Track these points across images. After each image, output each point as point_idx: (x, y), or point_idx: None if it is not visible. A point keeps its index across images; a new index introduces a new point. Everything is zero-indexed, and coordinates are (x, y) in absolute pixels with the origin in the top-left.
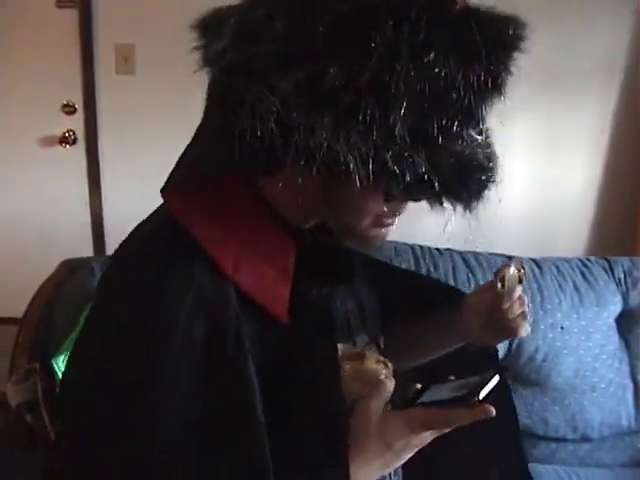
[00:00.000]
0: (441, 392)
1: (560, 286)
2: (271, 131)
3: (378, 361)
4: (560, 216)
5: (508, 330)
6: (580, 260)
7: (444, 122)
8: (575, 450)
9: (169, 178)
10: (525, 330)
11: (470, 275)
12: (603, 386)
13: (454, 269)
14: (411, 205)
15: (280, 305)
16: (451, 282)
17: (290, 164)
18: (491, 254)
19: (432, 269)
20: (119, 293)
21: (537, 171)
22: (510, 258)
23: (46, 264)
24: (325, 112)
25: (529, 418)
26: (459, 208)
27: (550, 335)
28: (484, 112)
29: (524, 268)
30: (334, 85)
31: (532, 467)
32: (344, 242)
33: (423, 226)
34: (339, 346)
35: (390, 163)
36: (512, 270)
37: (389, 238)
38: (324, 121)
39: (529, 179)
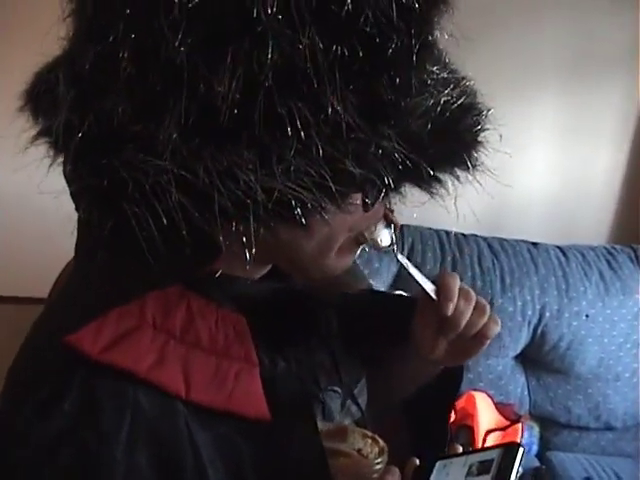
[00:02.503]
0: (454, 474)
1: (585, 274)
2: (180, 204)
3: (364, 436)
4: (585, 203)
5: (469, 338)
6: (606, 248)
7: (393, 80)
8: (598, 439)
9: (63, 326)
10: (493, 328)
11: (495, 261)
12: (627, 375)
13: (479, 255)
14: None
15: (256, 404)
16: (476, 268)
17: (224, 239)
18: (516, 240)
19: (457, 255)
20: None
21: (562, 157)
22: (535, 245)
23: (70, 245)
24: (237, 146)
25: (552, 406)
26: (462, 176)
27: (575, 323)
28: (429, 42)
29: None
30: (233, 105)
31: (554, 455)
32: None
33: (448, 211)
34: (318, 424)
35: (354, 167)
36: (380, 230)
37: (416, 223)
38: (243, 158)
39: (554, 165)
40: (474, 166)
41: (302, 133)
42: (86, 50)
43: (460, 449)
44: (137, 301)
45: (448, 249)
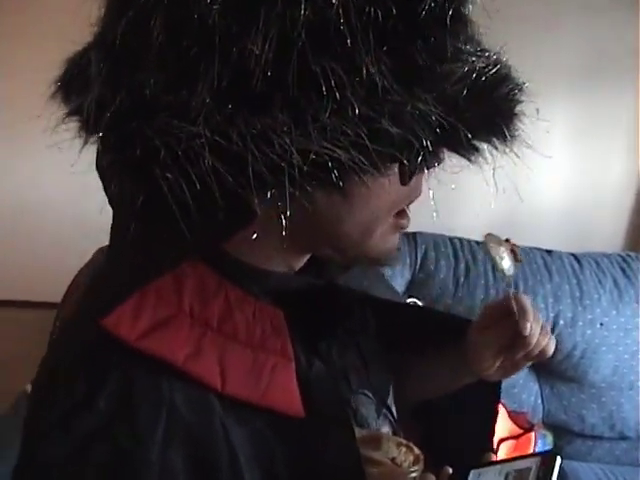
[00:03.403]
0: None
1: (600, 282)
2: (213, 169)
3: (399, 444)
4: (599, 210)
5: (531, 357)
6: (620, 256)
7: (428, 43)
8: (612, 448)
9: (100, 306)
10: (551, 348)
11: None
12: None
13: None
14: (450, 197)
15: (290, 400)
16: (489, 276)
17: (258, 203)
18: (530, 248)
19: (471, 262)
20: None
21: (575, 164)
22: (549, 252)
23: (83, 250)
24: (270, 109)
25: (565, 415)
26: (501, 146)
27: (589, 331)
28: (462, 13)
29: (508, 241)
30: (266, 69)
31: (567, 464)
32: (348, 271)
33: (462, 219)
34: None
35: (391, 127)
36: (501, 250)
37: (428, 230)
38: (277, 121)
39: (567, 172)
40: (512, 136)
41: (337, 93)
42: (117, 22)
43: (494, 458)
44: (175, 288)
45: (462, 256)
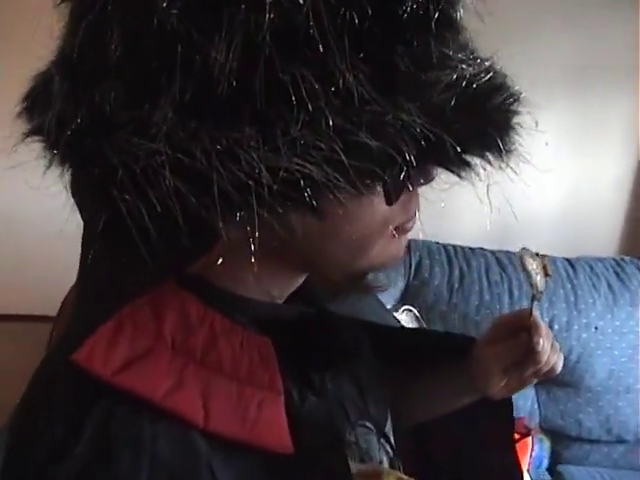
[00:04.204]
0: None
1: (594, 286)
2: (175, 189)
3: None
4: (592, 215)
5: (540, 374)
6: (614, 260)
7: (410, 48)
8: (609, 452)
9: (69, 343)
10: (560, 366)
11: (503, 274)
12: (638, 387)
13: (487, 268)
14: (443, 204)
15: (279, 437)
16: (484, 282)
17: (225, 226)
18: None
19: (465, 268)
20: None
21: (569, 169)
22: (543, 257)
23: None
24: (237, 122)
25: (562, 419)
26: (495, 162)
27: (584, 335)
28: (451, 17)
29: (538, 255)
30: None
31: (565, 468)
32: (339, 297)
33: (456, 226)
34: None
35: (369, 139)
36: (534, 264)
37: (422, 237)
38: (244, 135)
39: (561, 177)
40: (507, 150)
41: (309, 104)
42: (75, 34)
43: None
44: (154, 317)
45: (456, 263)
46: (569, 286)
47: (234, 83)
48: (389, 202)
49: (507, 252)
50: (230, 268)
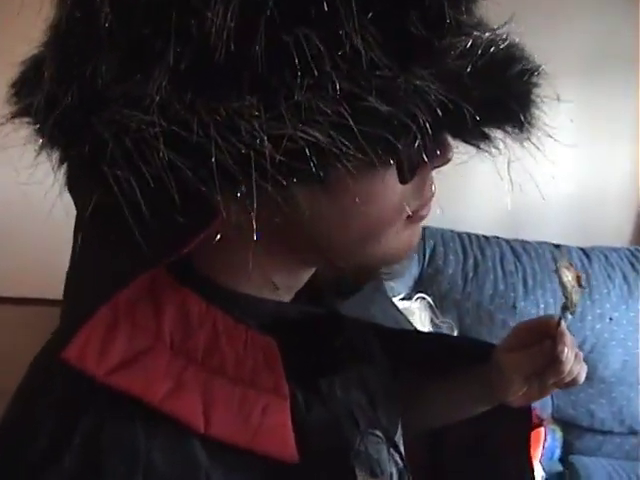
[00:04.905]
0: None
1: (609, 276)
2: (170, 163)
3: None
4: (607, 204)
5: (562, 384)
6: (629, 250)
7: (422, 11)
8: (622, 443)
9: (61, 337)
10: (583, 376)
11: (517, 263)
12: None
13: (501, 257)
14: (457, 191)
15: (284, 444)
16: (498, 271)
17: (224, 202)
18: (539, 242)
19: (480, 257)
20: None
21: (582, 157)
22: (557, 247)
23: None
24: (236, 90)
25: (574, 410)
26: (517, 135)
27: (598, 326)
28: None
29: (571, 265)
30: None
31: (577, 459)
32: (350, 297)
33: (469, 212)
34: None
35: (379, 104)
36: (570, 276)
37: (436, 225)
38: (244, 104)
39: (574, 166)
40: (529, 123)
41: (313, 67)
42: (62, 6)
43: None
44: (153, 314)
45: (470, 251)
46: (584, 276)
47: (232, 48)
48: (403, 179)
49: (522, 241)
50: (231, 260)
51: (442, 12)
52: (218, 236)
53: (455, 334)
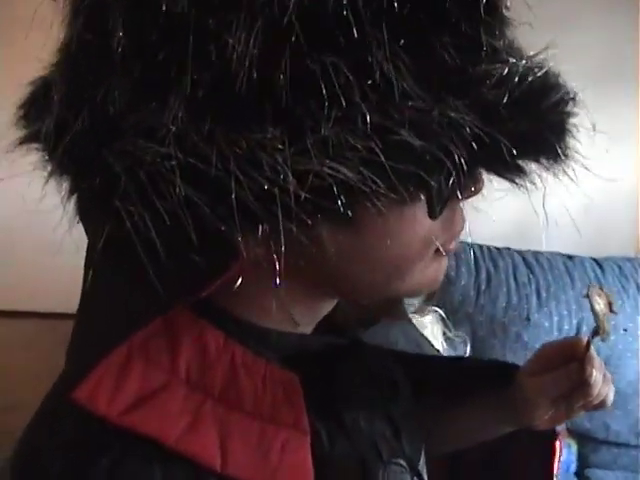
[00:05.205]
0: None
1: (623, 287)
2: (186, 199)
3: None
4: (618, 213)
5: (589, 407)
6: None
7: (457, 37)
8: (638, 456)
9: (71, 378)
10: (611, 399)
11: (530, 275)
12: None
13: (514, 269)
14: (468, 202)
15: None
16: (511, 283)
17: (244, 241)
18: (552, 253)
19: (492, 269)
20: None
21: (592, 166)
22: (571, 257)
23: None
24: (258, 121)
25: (589, 422)
26: (550, 165)
27: (612, 337)
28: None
29: (602, 289)
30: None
31: (592, 472)
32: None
33: (480, 223)
34: None
35: (412, 138)
36: (602, 303)
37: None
38: (267, 136)
39: (583, 176)
40: (565, 155)
41: (342, 98)
42: (72, 27)
43: None
44: (168, 348)
45: (482, 263)
46: (617, 302)
47: (255, 75)
48: (433, 214)
49: (534, 252)
50: (250, 293)
51: (477, 37)
52: (239, 280)
53: (468, 347)
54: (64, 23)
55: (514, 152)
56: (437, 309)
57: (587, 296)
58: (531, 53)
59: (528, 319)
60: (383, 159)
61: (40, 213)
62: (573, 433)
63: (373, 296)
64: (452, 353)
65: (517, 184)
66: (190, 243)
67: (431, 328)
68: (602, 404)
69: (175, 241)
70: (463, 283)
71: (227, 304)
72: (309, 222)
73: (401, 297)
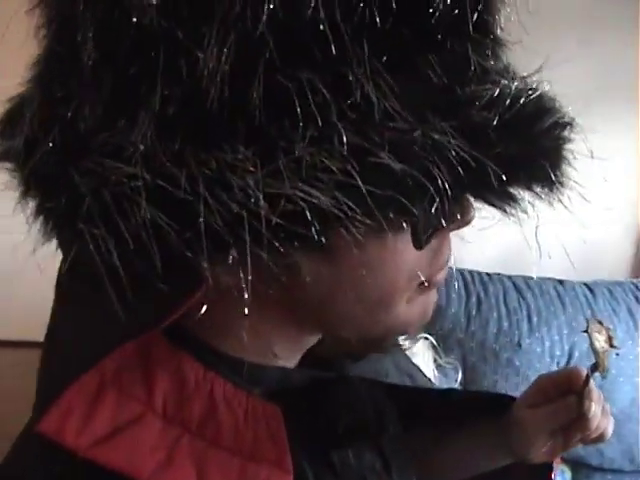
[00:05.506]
0: None
1: (614, 311)
2: (152, 222)
3: None
4: (606, 237)
5: (587, 440)
6: (633, 283)
7: (443, 55)
8: None
9: (37, 407)
10: (610, 432)
11: (521, 300)
12: None
13: (505, 294)
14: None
15: None
16: (502, 308)
17: (211, 268)
18: (542, 278)
19: (482, 295)
20: None
21: (581, 189)
22: (561, 282)
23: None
24: (229, 141)
25: (584, 449)
26: (544, 193)
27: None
28: (487, 20)
29: (602, 323)
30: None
31: None
32: (367, 355)
33: (470, 249)
34: None
35: (392, 161)
36: (602, 339)
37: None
38: (238, 156)
39: (578, 204)
40: (560, 183)
41: (318, 117)
42: (44, 43)
43: None
44: (144, 379)
45: (472, 289)
46: (589, 311)
47: (227, 92)
48: (418, 245)
49: (525, 277)
50: (227, 324)
51: (465, 55)
52: (204, 308)
53: (460, 374)
54: (38, 36)
55: (503, 178)
56: (428, 336)
57: (586, 332)
58: (525, 74)
59: (519, 345)
60: (360, 183)
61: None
62: (567, 460)
63: (357, 331)
64: (443, 380)
65: (507, 212)
66: (154, 268)
67: (422, 355)
68: (600, 437)
69: (139, 266)
70: (453, 310)
71: (205, 335)
72: (281, 249)
73: (390, 334)
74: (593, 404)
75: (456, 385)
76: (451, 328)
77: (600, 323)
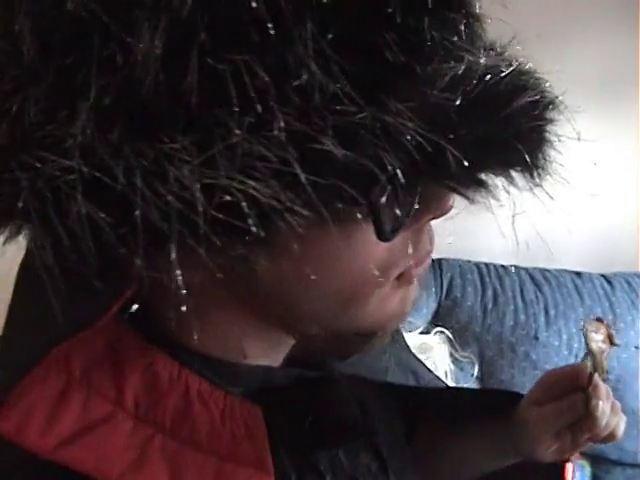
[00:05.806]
0: None
1: (632, 303)
2: (88, 217)
3: None
4: (625, 227)
5: (597, 439)
6: None
7: (399, 31)
8: None
9: None
10: (621, 431)
11: (538, 293)
12: None
13: (521, 287)
14: (472, 220)
15: None
16: (519, 301)
17: (143, 261)
18: (559, 270)
19: (499, 288)
20: None
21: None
22: (579, 274)
23: None
24: (167, 129)
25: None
26: (525, 182)
27: (624, 355)
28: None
29: (602, 321)
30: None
31: None
32: (345, 353)
33: (486, 241)
34: None
35: (335, 147)
36: (599, 339)
37: (453, 256)
38: (175, 146)
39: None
40: (538, 168)
41: (256, 102)
42: None
43: None
44: (114, 378)
45: (489, 282)
46: (607, 304)
47: (162, 79)
48: (382, 236)
49: (542, 269)
50: (201, 321)
51: (424, 30)
52: (134, 306)
53: (476, 368)
54: None
55: (465, 164)
56: (444, 330)
57: (583, 332)
58: (500, 50)
59: (536, 338)
60: (299, 171)
61: None
62: (586, 454)
63: (324, 328)
64: (460, 374)
65: (476, 201)
66: (90, 266)
67: (438, 349)
68: (611, 436)
69: (74, 264)
70: (469, 303)
71: (182, 333)
72: (218, 243)
73: (366, 331)
74: (600, 402)
75: (472, 379)
76: (467, 322)
77: (600, 321)
